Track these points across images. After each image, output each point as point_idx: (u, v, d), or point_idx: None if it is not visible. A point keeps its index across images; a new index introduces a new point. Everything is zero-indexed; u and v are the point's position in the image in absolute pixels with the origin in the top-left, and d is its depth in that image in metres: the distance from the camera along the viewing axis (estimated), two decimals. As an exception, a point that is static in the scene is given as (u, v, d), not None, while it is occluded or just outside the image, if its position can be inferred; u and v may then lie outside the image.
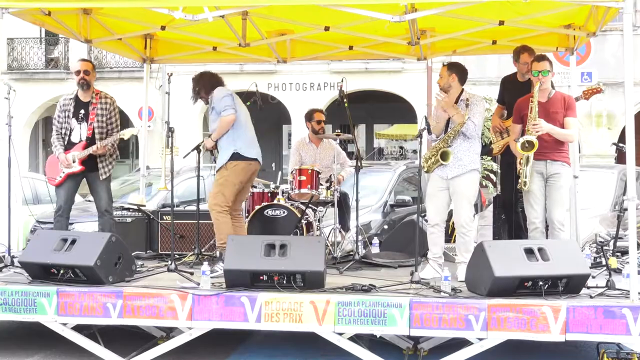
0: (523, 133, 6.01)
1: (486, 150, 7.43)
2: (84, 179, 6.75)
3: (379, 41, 7.74)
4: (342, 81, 6.85)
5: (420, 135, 5.77)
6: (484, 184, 12.98)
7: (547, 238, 6.04)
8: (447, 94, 6.08)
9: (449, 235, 7.89)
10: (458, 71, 6.10)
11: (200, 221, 6.76)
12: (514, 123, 6.22)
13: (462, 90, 6.13)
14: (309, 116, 7.89)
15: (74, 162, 6.62)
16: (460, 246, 6.04)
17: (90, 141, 6.64)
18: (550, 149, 6.01)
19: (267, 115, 20.55)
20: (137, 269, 6.08)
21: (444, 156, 5.99)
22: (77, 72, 6.63)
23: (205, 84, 6.49)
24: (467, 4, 6.11)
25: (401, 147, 25.52)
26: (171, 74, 6.08)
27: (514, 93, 6.63)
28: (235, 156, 6.40)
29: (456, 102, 6.05)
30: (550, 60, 6.05)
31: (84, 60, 6.86)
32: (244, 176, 6.41)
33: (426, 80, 16.87)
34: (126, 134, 6.80)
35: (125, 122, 20.31)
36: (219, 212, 6.28)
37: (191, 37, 7.75)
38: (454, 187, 6.03)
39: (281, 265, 5.28)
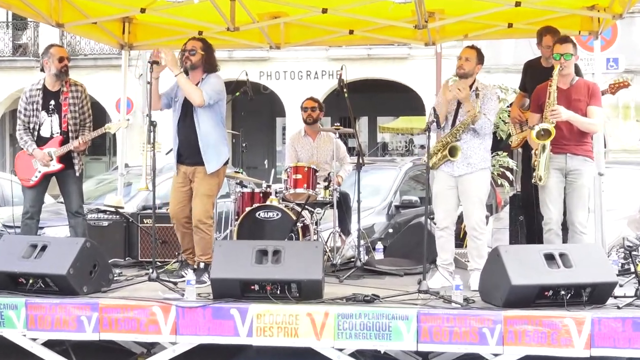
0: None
1: (503, 144, 7.43)
2: (53, 177, 6.73)
3: (383, 24, 7.73)
4: (341, 69, 6.83)
5: (428, 129, 5.75)
6: (499, 182, 12.99)
7: (564, 242, 6.04)
8: (465, 81, 6.06)
9: (460, 239, 7.88)
10: (483, 61, 6.11)
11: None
12: (532, 112, 6.22)
13: (474, 79, 6.15)
14: (302, 105, 7.91)
15: (51, 159, 6.61)
16: (473, 251, 6.04)
17: (66, 135, 6.62)
18: (571, 141, 5.99)
19: (259, 107, 20.71)
20: (115, 278, 6.07)
21: (453, 151, 5.98)
22: (60, 59, 6.58)
23: (211, 60, 6.36)
24: (480, -17, 6.11)
25: (407, 142, 25.53)
26: (154, 62, 6.07)
27: (536, 79, 6.63)
28: (226, 162, 6.41)
29: None
30: (575, 43, 6.04)
31: (60, 46, 6.84)
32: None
33: (435, 67, 16.88)
34: (113, 127, 6.78)
35: (102, 115, 20.38)
36: (210, 227, 6.27)
37: (174, 21, 7.73)
38: (462, 186, 6.03)
39: (274, 273, 5.27)
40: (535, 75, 6.81)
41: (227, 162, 6.42)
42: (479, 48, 6.18)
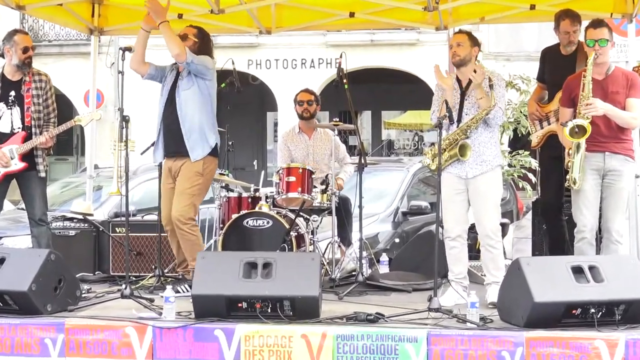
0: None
1: (523, 142, 7.44)
2: (14, 180, 6.72)
3: (388, 6, 7.75)
4: (341, 57, 6.83)
5: (439, 125, 5.77)
6: (520, 185, 12.99)
7: (599, 252, 6.05)
8: (465, 68, 6.07)
9: (476, 250, 7.89)
10: (477, 43, 6.14)
11: (162, 234, 6.75)
12: (563, 107, 6.19)
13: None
14: (295, 98, 7.92)
15: (12, 158, 6.61)
16: (488, 263, 6.05)
17: (29, 131, 6.62)
18: (609, 138, 5.97)
19: (247, 100, 20.68)
20: (83, 295, 6.06)
21: (463, 150, 5.99)
22: (25, 50, 6.58)
23: (206, 50, 6.50)
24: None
25: (416, 140, 25.56)
26: (126, 49, 6.06)
27: (555, 69, 6.63)
28: (213, 152, 6.48)
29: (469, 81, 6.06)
30: (610, 27, 6.02)
31: (25, 33, 6.84)
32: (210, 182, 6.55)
33: (447, 55, 16.91)
34: (84, 119, 6.77)
35: (68, 109, 20.36)
36: (193, 227, 6.36)
37: (150, 2, 7.72)
38: (474, 188, 6.04)
39: (265, 289, 5.28)
40: (554, 64, 6.82)
41: (215, 153, 6.49)
42: (469, 31, 6.21)
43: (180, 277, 6.62)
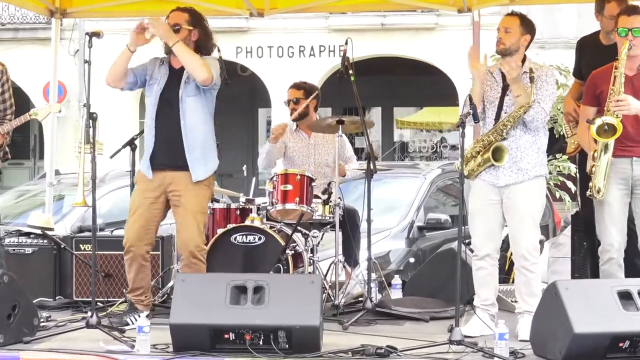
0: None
1: (558, 146, 7.43)
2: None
3: (401, -16, 7.75)
4: (346, 44, 6.84)
5: (462, 124, 5.77)
6: (558, 195, 13.01)
7: (628, 275, 6.03)
8: (511, 58, 6.07)
9: (506, 272, 7.88)
10: (531, 30, 6.11)
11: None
12: (585, 104, 6.26)
13: (525, 57, 6.16)
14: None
15: None
16: (522, 288, 6.04)
17: None
18: (638, 142, 6.03)
19: (235, 94, 20.71)
20: (41, 324, 6.05)
21: (497, 154, 5.99)
22: None
23: (204, 38, 6.49)
24: None
25: (435, 142, 25.56)
26: (94, 34, 6.05)
27: (594, 62, 6.64)
28: (214, 170, 6.57)
29: None
30: None
31: None
32: None
33: (472, 41, 16.88)
34: (40, 112, 6.77)
35: (24, 103, 20.30)
36: (203, 256, 6.46)
37: (122, -21, 7.76)
38: (510, 200, 6.04)
39: (256, 317, 5.27)
40: (593, 57, 6.82)
41: (214, 172, 6.55)
42: (524, 14, 6.19)
43: (129, 304, 6.52)
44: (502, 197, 6.07)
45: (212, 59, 6.45)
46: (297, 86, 7.83)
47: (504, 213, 6.08)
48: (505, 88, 6.09)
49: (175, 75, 6.43)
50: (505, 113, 6.06)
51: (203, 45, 6.46)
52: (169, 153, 6.38)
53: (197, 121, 6.39)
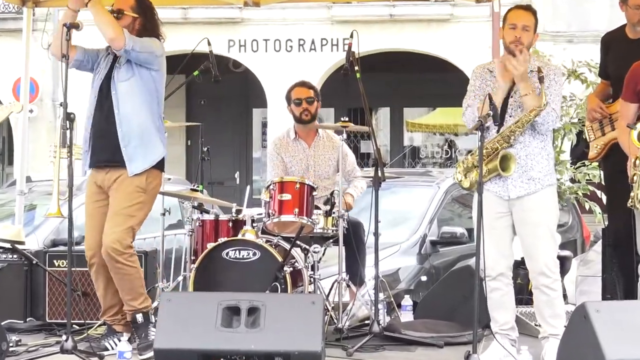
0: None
1: (580, 150, 7.44)
2: None
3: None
4: (351, 37, 6.86)
5: (480, 126, 5.78)
6: (587, 207, 12.96)
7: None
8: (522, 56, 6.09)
9: (528, 292, 7.85)
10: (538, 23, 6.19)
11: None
12: (625, 101, 6.28)
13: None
14: (288, 95, 7.89)
15: None
16: (543, 309, 6.06)
17: None
18: None
19: (228, 92, 20.74)
20: (11, 349, 6.06)
21: (506, 163, 6.00)
22: None
23: (150, 27, 6.50)
24: None
25: (449, 146, 25.59)
26: (72, 26, 6.05)
27: (620, 58, 6.67)
28: (160, 164, 6.50)
29: None
30: None
31: None
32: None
33: (490, 34, 16.89)
34: (1, 113, 6.77)
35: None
36: (132, 256, 6.35)
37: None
38: (521, 212, 6.07)
39: (250, 342, 5.29)
40: (619, 53, 6.86)
41: (161, 164, 6.50)
42: (535, 10, 6.24)
43: (108, 327, 6.55)
44: (511, 210, 6.09)
45: (152, 40, 6.47)
46: (306, 85, 7.90)
47: (514, 227, 6.10)
48: (509, 90, 6.10)
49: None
50: (510, 117, 6.08)
51: (146, 30, 6.48)
52: (104, 149, 6.43)
53: (132, 108, 6.39)
